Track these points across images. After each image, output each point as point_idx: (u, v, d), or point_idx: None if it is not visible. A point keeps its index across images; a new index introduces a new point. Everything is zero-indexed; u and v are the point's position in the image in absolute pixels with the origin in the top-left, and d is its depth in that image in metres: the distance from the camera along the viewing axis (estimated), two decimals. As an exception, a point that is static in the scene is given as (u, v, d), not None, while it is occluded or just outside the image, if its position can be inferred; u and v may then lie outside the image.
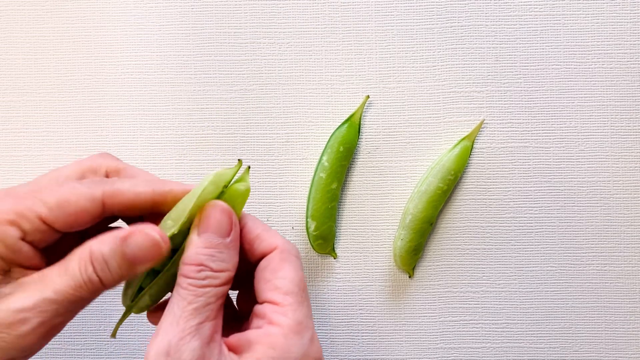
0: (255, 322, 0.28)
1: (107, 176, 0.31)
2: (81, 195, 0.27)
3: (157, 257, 0.28)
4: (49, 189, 0.28)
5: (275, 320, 0.27)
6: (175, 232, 0.29)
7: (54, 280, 0.27)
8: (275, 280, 0.28)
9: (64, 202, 0.27)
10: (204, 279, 0.27)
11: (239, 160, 0.30)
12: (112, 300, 0.43)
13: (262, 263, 0.29)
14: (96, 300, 0.43)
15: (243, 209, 0.31)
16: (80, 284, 0.27)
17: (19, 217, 0.26)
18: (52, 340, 0.43)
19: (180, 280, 0.28)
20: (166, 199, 0.29)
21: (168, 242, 0.28)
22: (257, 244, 0.30)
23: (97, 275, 0.27)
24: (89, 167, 0.31)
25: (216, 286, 0.27)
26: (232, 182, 0.30)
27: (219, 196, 0.29)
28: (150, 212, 0.30)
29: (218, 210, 0.28)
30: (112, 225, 0.32)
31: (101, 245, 0.27)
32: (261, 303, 0.28)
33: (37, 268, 0.28)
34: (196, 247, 0.28)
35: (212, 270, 0.27)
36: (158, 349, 0.26)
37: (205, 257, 0.28)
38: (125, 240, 0.27)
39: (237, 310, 0.33)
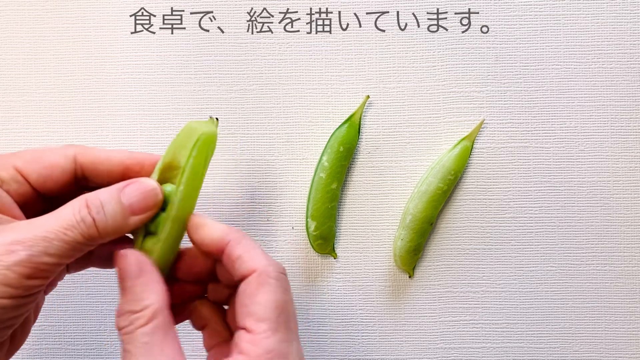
0: (232, 349, 0.28)
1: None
2: (54, 151, 0.30)
3: (152, 205, 0.30)
4: (27, 150, 0.30)
5: (245, 349, 0.27)
6: (156, 178, 0.31)
7: (44, 221, 0.27)
8: (251, 306, 0.28)
9: (39, 156, 0.30)
10: (130, 323, 0.28)
11: (210, 117, 0.33)
12: (112, 301, 0.43)
13: (241, 287, 0.29)
14: (96, 300, 0.43)
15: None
16: (73, 224, 0.27)
17: None
18: (52, 340, 0.43)
19: (118, 334, 0.28)
20: (138, 163, 0.31)
21: (162, 192, 0.30)
22: (238, 265, 0.29)
23: (92, 217, 0.28)
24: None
25: (145, 324, 0.28)
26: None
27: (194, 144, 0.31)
28: (122, 176, 0.31)
29: (123, 258, 0.29)
30: None
31: (98, 193, 0.29)
32: (239, 330, 0.28)
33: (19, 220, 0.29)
34: (120, 299, 0.29)
35: (134, 312, 0.28)
36: None
37: (126, 304, 0.28)
38: (123, 189, 0.29)
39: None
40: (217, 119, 0.33)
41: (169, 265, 0.32)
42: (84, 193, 0.30)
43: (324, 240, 0.42)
